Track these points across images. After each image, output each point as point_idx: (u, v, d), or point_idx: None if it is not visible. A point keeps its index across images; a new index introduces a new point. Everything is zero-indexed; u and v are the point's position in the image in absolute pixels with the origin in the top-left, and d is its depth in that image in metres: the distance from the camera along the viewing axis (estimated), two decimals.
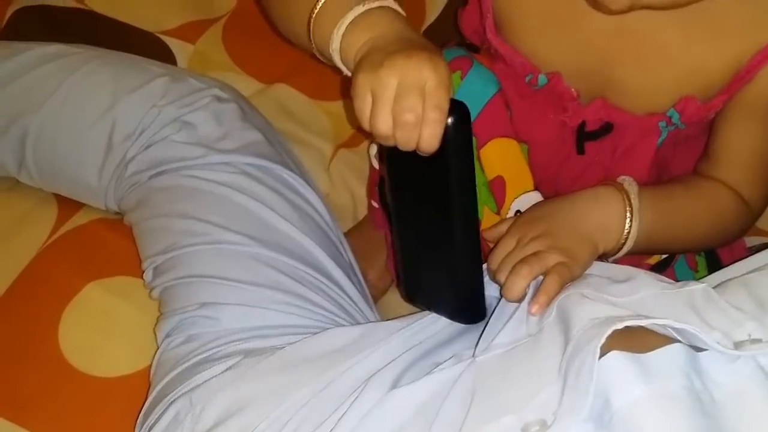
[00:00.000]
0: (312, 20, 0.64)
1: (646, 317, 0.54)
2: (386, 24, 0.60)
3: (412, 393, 0.60)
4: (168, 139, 0.82)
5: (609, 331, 0.51)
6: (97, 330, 0.80)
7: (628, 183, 0.70)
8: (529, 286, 0.63)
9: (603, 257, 0.69)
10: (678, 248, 0.78)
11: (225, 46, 1.05)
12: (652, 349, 0.52)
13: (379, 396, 0.60)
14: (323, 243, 0.79)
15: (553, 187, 0.80)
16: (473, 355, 0.61)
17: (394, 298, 0.90)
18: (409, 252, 0.67)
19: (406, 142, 0.57)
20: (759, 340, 0.52)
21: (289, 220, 0.78)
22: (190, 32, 1.06)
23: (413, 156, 0.58)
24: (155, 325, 0.75)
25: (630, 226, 0.68)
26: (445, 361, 0.63)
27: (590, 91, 0.75)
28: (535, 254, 0.64)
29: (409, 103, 0.56)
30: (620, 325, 0.52)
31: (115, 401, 0.75)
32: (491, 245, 0.72)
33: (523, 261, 0.64)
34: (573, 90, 0.74)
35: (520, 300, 0.63)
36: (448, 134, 0.57)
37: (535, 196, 0.76)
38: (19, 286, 0.82)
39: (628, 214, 0.68)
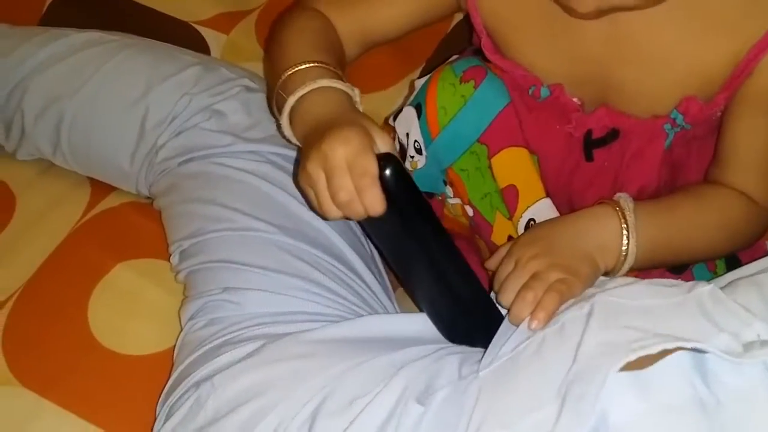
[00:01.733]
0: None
1: (653, 342, 0.53)
2: (311, 115, 0.67)
3: (426, 410, 0.60)
4: (198, 126, 0.84)
5: (617, 368, 0.51)
6: (125, 309, 0.82)
7: (624, 200, 0.70)
8: None
9: (607, 275, 0.69)
10: (688, 259, 0.77)
11: (258, 36, 1.07)
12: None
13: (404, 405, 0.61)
14: (345, 233, 0.80)
15: (566, 196, 0.80)
16: (478, 370, 0.61)
17: None
18: (420, 296, 0.69)
19: (354, 215, 0.62)
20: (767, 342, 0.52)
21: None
22: (224, 23, 1.08)
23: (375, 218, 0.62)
24: (180, 307, 0.77)
25: (627, 243, 0.68)
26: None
27: (593, 99, 0.75)
28: (535, 276, 0.64)
29: (337, 184, 0.61)
30: (624, 362, 0.51)
31: (140, 379, 0.77)
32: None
33: (526, 287, 0.63)
34: (576, 100, 0.75)
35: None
36: (388, 188, 0.61)
37: (548, 204, 0.77)
38: (51, 265, 0.85)
39: (625, 231, 0.68)
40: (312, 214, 0.78)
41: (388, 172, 0.61)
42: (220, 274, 0.75)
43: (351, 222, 0.83)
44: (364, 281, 0.79)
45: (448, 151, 0.78)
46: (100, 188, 0.91)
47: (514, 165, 0.77)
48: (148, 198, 0.88)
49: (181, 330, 0.76)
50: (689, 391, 0.51)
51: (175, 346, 0.76)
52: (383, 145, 0.63)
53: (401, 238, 0.65)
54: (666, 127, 0.74)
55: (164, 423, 0.69)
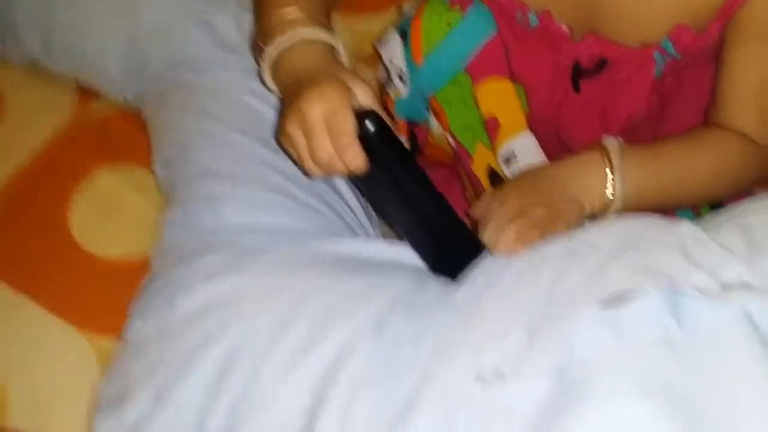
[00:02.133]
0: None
1: (629, 284, 0.53)
2: (291, 68, 0.66)
3: (398, 333, 0.61)
4: (190, 38, 0.83)
5: (591, 308, 0.52)
6: (107, 214, 0.82)
7: (610, 142, 0.69)
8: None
9: (593, 219, 0.69)
10: (684, 203, 0.77)
11: None
12: None
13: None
14: None
15: (554, 128, 0.80)
16: (451, 297, 0.61)
17: None
18: (402, 233, 0.69)
19: (336, 172, 0.62)
20: (748, 284, 0.52)
21: None
22: None
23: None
24: (161, 214, 0.78)
25: (613, 185, 0.68)
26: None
27: (582, 26, 0.74)
28: (518, 213, 0.64)
29: (315, 144, 0.60)
30: (599, 302, 0.52)
31: (119, 283, 0.77)
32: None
33: (508, 221, 0.63)
34: (565, 28, 0.74)
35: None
36: (368, 145, 0.60)
37: (528, 138, 0.77)
38: (34, 167, 0.85)
39: (609, 173, 0.68)
40: None
41: (368, 129, 0.60)
42: (202, 184, 0.76)
43: None
44: (345, 201, 0.79)
45: (431, 80, 0.78)
46: (86, 94, 0.91)
47: (497, 96, 0.76)
48: (136, 106, 0.88)
49: (161, 236, 0.76)
50: (660, 329, 0.51)
51: (153, 252, 0.76)
52: (364, 97, 0.62)
53: (382, 185, 0.65)
54: (656, 56, 0.73)
55: (135, 324, 0.70)
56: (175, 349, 0.66)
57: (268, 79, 0.69)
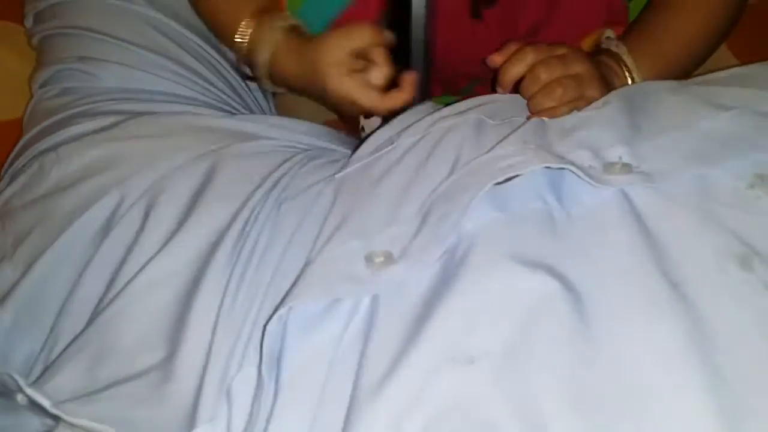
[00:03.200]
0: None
1: (517, 162, 0.52)
2: (287, 73, 0.67)
3: (285, 206, 0.59)
4: None
5: (482, 191, 0.51)
6: None
7: (615, 46, 0.69)
8: None
9: None
10: (685, 72, 0.76)
11: None
12: None
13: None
14: None
15: (458, 65, 0.77)
16: (347, 172, 0.60)
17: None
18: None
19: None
20: (629, 166, 0.52)
21: None
22: None
23: None
24: (31, 73, 0.72)
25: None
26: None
27: None
28: (569, 80, 0.61)
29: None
30: (490, 185, 0.51)
31: None
32: None
33: (559, 83, 0.61)
34: None
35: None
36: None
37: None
38: None
39: (628, 75, 0.68)
40: None
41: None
42: (76, 42, 0.71)
43: None
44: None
45: None
46: None
47: None
48: None
49: (31, 98, 0.71)
50: (540, 204, 0.52)
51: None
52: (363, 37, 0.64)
53: None
54: None
55: (5, 192, 0.66)
56: (46, 216, 0.62)
57: (268, 84, 0.69)
